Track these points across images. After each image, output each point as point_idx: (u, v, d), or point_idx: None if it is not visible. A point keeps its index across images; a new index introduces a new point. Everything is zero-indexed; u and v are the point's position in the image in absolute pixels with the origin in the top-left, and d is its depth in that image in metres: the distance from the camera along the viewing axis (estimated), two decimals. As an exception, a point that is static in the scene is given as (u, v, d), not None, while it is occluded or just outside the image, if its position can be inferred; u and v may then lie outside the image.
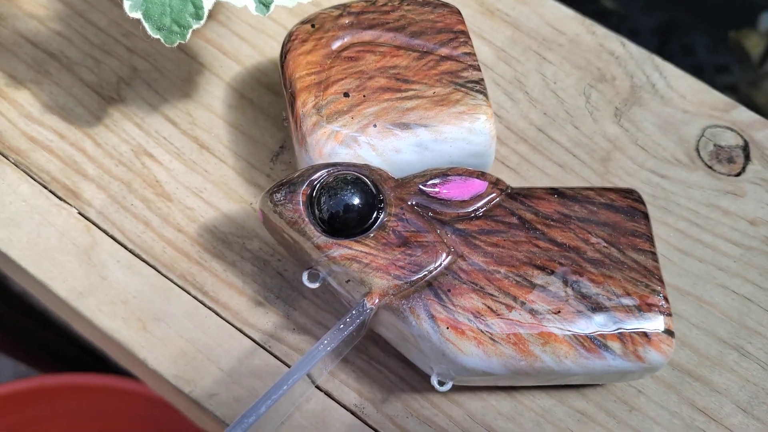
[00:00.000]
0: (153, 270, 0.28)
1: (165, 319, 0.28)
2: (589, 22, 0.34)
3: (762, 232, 0.30)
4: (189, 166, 0.30)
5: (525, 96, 0.33)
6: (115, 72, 0.32)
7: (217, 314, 0.28)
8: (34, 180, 0.30)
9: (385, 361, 0.27)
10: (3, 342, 0.58)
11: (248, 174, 0.30)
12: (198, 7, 0.25)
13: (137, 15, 0.25)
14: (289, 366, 0.27)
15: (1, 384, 0.50)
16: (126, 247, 0.29)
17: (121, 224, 0.29)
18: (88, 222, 0.29)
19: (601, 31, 0.34)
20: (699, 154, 0.32)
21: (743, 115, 0.33)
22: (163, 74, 0.32)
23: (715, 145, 0.32)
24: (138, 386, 0.49)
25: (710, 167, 0.31)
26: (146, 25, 0.25)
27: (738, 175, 0.31)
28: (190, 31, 0.25)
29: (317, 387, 0.27)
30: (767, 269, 0.30)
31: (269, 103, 0.32)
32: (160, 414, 0.49)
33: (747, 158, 0.32)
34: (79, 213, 0.29)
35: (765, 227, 0.30)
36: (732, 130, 0.32)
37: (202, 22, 0.25)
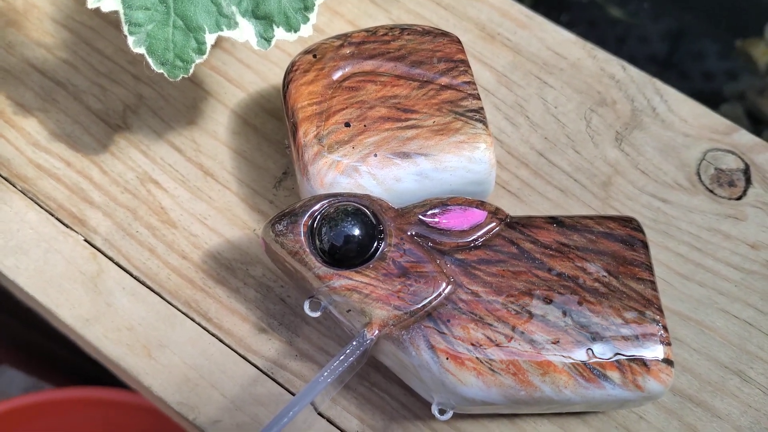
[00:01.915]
0: (158, 297, 0.29)
1: (169, 346, 0.28)
2: (590, 46, 0.34)
3: (763, 256, 0.30)
4: (194, 193, 0.31)
5: (526, 120, 0.33)
6: (122, 100, 0.33)
7: (221, 341, 0.28)
8: (41, 207, 0.30)
9: (386, 388, 0.28)
10: (14, 355, 0.58)
11: (252, 200, 0.31)
12: (200, 42, 0.25)
13: (141, 50, 0.25)
14: (292, 393, 0.27)
15: (11, 398, 0.51)
16: (131, 274, 0.29)
17: (127, 251, 0.30)
18: (94, 249, 0.30)
19: (601, 54, 0.34)
20: (700, 178, 0.32)
21: (744, 138, 0.33)
22: (168, 102, 0.33)
23: (716, 169, 0.32)
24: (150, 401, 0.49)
25: (711, 191, 0.32)
26: (150, 60, 0.25)
27: (739, 198, 0.31)
28: (193, 65, 0.26)
29: (319, 414, 0.27)
30: (768, 293, 0.30)
31: (272, 130, 0.32)
32: (172, 430, 0.50)
33: (748, 181, 0.32)
34: (86, 240, 0.30)
35: (766, 251, 0.30)
36: (733, 153, 0.32)
37: (205, 56, 0.26)
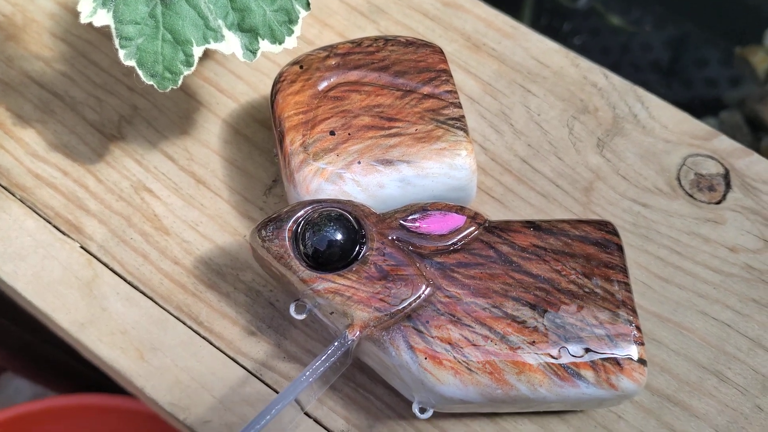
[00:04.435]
0: (151, 301, 0.30)
1: (161, 349, 0.29)
2: (573, 55, 0.35)
3: (741, 258, 0.31)
4: (186, 201, 0.32)
5: (510, 128, 0.34)
6: (117, 110, 0.34)
7: (211, 344, 0.29)
8: (39, 215, 0.31)
9: (371, 388, 0.28)
10: (21, 365, 0.59)
11: (242, 207, 0.32)
12: (188, 55, 0.26)
13: (131, 63, 0.26)
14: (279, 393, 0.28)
15: (17, 404, 0.52)
16: (125, 280, 0.30)
17: (121, 257, 0.31)
18: (89, 255, 0.31)
19: (584, 63, 0.35)
20: (680, 183, 0.33)
21: (724, 143, 0.33)
22: (162, 112, 0.34)
23: (696, 174, 0.33)
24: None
25: (691, 195, 0.32)
26: (140, 72, 0.26)
27: (718, 203, 0.32)
28: (182, 77, 0.27)
29: (306, 414, 0.28)
30: (746, 295, 0.30)
31: (263, 139, 0.33)
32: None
33: (728, 186, 0.32)
34: (81, 247, 0.31)
35: (745, 254, 0.31)
36: (713, 158, 0.33)
37: (193, 68, 0.27)
